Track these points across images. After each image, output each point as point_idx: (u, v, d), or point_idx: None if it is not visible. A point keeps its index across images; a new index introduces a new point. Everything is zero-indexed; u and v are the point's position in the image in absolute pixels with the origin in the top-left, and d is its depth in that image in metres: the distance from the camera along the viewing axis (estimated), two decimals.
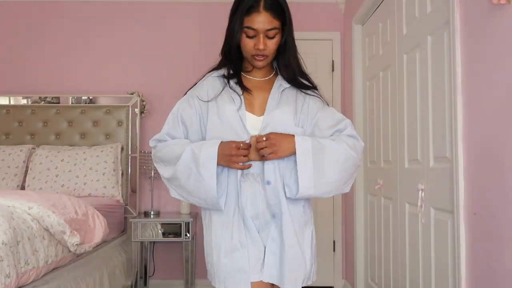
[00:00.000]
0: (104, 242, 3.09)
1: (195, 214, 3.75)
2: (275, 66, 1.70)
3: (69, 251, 2.36)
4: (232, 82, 1.61)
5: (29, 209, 2.13)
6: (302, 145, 1.50)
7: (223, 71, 1.65)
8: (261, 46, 1.51)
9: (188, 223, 3.35)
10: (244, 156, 1.49)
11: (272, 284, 1.57)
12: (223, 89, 1.60)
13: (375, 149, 3.06)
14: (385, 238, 2.83)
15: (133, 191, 3.79)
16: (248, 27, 1.50)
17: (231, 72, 1.62)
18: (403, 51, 2.52)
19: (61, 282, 2.27)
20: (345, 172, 1.56)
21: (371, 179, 3.16)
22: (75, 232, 2.32)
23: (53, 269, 2.27)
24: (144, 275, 3.73)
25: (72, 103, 3.85)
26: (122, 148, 3.74)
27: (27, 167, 3.58)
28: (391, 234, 2.71)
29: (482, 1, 1.65)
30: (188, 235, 3.35)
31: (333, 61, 3.96)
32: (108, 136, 3.80)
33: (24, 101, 3.87)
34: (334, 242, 3.92)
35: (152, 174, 3.61)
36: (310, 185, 1.50)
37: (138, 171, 3.75)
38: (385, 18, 2.83)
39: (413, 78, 2.36)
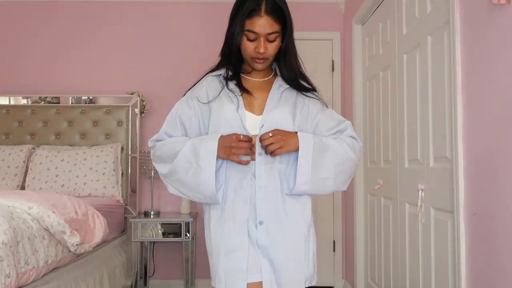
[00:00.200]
0: (104, 242, 3.09)
1: (195, 214, 3.75)
2: (274, 67, 1.70)
3: (69, 251, 2.36)
4: (230, 84, 1.61)
5: (29, 209, 2.13)
6: (304, 141, 1.53)
7: (222, 72, 1.65)
8: (261, 50, 1.52)
9: (188, 223, 3.35)
10: (245, 149, 1.49)
11: None
12: (222, 90, 1.61)
13: (375, 149, 3.06)
14: (385, 238, 2.83)
15: (133, 191, 3.79)
16: (249, 31, 1.51)
17: (231, 73, 1.62)
18: (403, 51, 2.52)
19: (61, 282, 2.27)
20: (344, 171, 1.59)
21: (371, 179, 3.16)
22: (75, 232, 2.32)
23: (53, 269, 2.27)
24: (144, 275, 3.73)
25: (72, 103, 3.85)
26: (122, 148, 3.74)
27: (27, 167, 3.58)
28: (391, 234, 2.71)
29: (482, 1, 1.65)
30: (188, 235, 3.35)
31: (333, 61, 3.96)
32: (108, 136, 3.80)
33: (24, 101, 3.87)
34: (334, 242, 3.92)
35: (152, 174, 3.61)
36: (306, 179, 1.52)
37: (138, 171, 3.75)
38: (385, 18, 2.83)
39: (413, 78, 2.36)
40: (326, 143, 1.56)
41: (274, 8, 1.50)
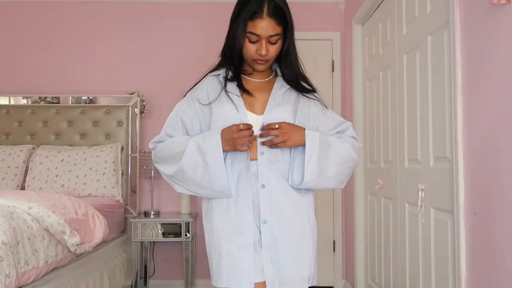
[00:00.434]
0: (104, 242, 3.09)
1: (195, 214, 3.75)
2: (274, 67, 1.71)
3: (69, 251, 2.36)
4: (231, 84, 1.61)
5: (29, 209, 2.13)
6: (311, 137, 1.54)
7: (223, 72, 1.65)
8: (263, 52, 1.52)
9: (188, 223, 3.35)
10: (247, 137, 1.49)
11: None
12: (222, 90, 1.61)
13: (375, 149, 3.06)
14: (385, 238, 2.83)
15: (133, 191, 3.79)
16: (251, 33, 1.51)
17: (231, 74, 1.63)
18: (403, 51, 2.52)
19: (61, 282, 2.27)
20: (345, 170, 1.61)
21: (371, 179, 3.16)
22: (75, 232, 2.32)
23: (53, 269, 2.27)
24: (144, 275, 3.73)
25: (72, 103, 3.85)
26: (122, 148, 3.74)
27: (27, 167, 3.58)
28: (391, 234, 2.71)
29: (482, 1, 1.65)
30: (188, 235, 3.35)
31: (333, 61, 3.96)
32: (108, 136, 3.80)
33: (24, 101, 3.88)
34: (334, 242, 3.92)
35: (152, 174, 3.61)
36: (313, 177, 1.53)
37: (138, 171, 3.75)
38: (385, 18, 2.83)
39: (413, 78, 2.36)
40: (330, 141, 1.57)
41: (276, 10, 1.50)
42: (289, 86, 1.65)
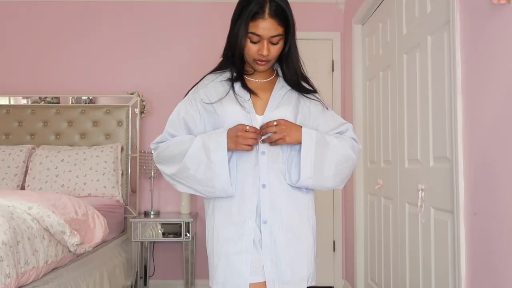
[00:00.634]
0: (104, 242, 3.09)
1: (195, 214, 3.75)
2: (275, 67, 1.71)
3: (69, 251, 2.36)
4: (236, 85, 1.61)
5: (29, 209, 2.13)
6: (308, 135, 1.54)
7: (225, 73, 1.65)
8: (265, 52, 1.52)
9: (188, 223, 3.35)
10: (251, 139, 1.50)
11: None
12: (228, 92, 1.60)
13: (375, 149, 3.06)
14: (385, 238, 2.83)
15: (133, 191, 3.79)
16: (253, 33, 1.51)
17: (235, 74, 1.62)
18: (403, 51, 2.52)
19: (61, 282, 2.27)
20: (343, 169, 1.60)
21: (371, 179, 3.16)
22: (75, 232, 2.32)
23: (53, 269, 2.27)
24: (144, 275, 3.73)
25: (72, 103, 3.85)
26: (122, 148, 3.74)
27: (27, 167, 3.58)
28: (391, 234, 2.71)
29: (482, 1, 1.65)
30: (188, 235, 3.35)
31: (333, 61, 3.96)
32: (108, 136, 3.80)
33: (24, 101, 3.88)
34: (334, 242, 3.92)
35: (152, 174, 3.61)
36: (310, 174, 1.53)
37: (138, 171, 3.75)
38: (385, 18, 2.83)
39: (413, 78, 2.36)
40: (328, 140, 1.57)
41: (278, 11, 1.50)
42: (290, 87, 1.65)
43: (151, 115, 3.91)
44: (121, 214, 3.60)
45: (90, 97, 3.86)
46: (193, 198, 3.82)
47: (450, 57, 1.89)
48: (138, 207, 3.80)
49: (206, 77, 1.69)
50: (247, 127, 1.50)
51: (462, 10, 1.80)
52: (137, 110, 3.81)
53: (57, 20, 3.99)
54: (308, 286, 1.59)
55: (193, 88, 1.68)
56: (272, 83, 1.66)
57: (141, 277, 3.60)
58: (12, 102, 3.87)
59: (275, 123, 1.51)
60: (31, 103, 3.86)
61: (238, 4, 1.56)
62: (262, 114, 1.59)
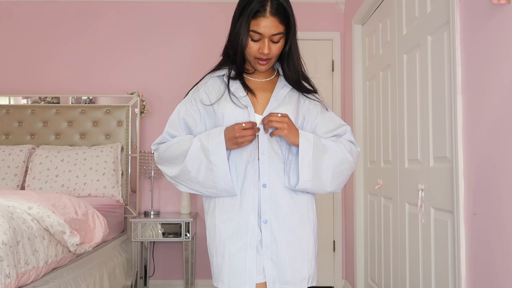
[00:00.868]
0: (104, 242, 3.09)
1: (195, 214, 3.75)
2: (276, 67, 1.70)
3: (69, 251, 2.36)
4: (234, 84, 1.61)
5: (29, 209, 2.13)
6: (305, 138, 1.54)
7: (225, 72, 1.65)
8: (265, 51, 1.52)
9: (188, 223, 3.35)
10: (250, 135, 1.50)
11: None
12: (225, 91, 1.60)
13: (375, 149, 3.06)
14: (385, 238, 2.83)
15: (133, 191, 3.79)
16: (254, 31, 1.51)
17: (234, 73, 1.62)
18: (403, 51, 2.52)
19: (61, 282, 2.27)
20: (341, 173, 1.60)
21: (371, 179, 3.16)
22: (75, 232, 2.32)
23: (53, 269, 2.27)
24: (144, 275, 3.73)
25: (72, 103, 3.85)
26: (122, 148, 3.74)
27: (27, 167, 3.58)
28: (391, 234, 2.71)
29: (482, 1, 1.65)
30: (188, 235, 3.35)
31: (333, 61, 3.96)
32: (108, 136, 3.80)
33: (24, 101, 3.88)
34: (334, 242, 3.92)
35: (152, 174, 3.61)
36: (308, 177, 1.53)
37: (138, 171, 3.75)
38: (385, 18, 2.83)
39: (413, 78, 2.36)
40: (325, 144, 1.57)
41: (279, 9, 1.50)
42: (291, 87, 1.65)
43: (151, 115, 3.91)
44: (121, 214, 3.60)
45: (90, 97, 3.86)
46: (193, 198, 3.82)
47: (450, 57, 1.89)
48: (138, 207, 3.80)
49: (206, 76, 1.69)
50: (243, 125, 1.49)
51: (462, 10, 1.80)
52: (137, 110, 3.81)
53: (57, 20, 3.98)
54: (308, 286, 1.59)
55: (193, 88, 1.68)
56: (273, 83, 1.66)
57: (141, 277, 3.60)
58: (12, 102, 3.87)
59: (279, 115, 1.51)
60: (31, 103, 3.86)
61: (239, 3, 1.56)
62: (262, 113, 1.59)
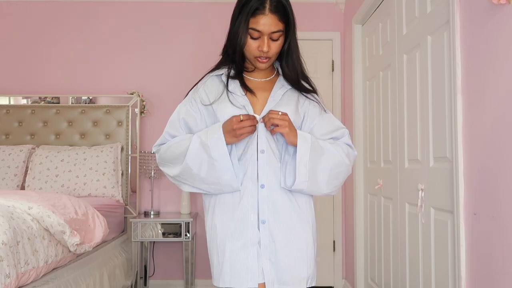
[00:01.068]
0: (104, 242, 3.09)
1: (195, 214, 3.75)
2: (276, 66, 1.70)
3: (69, 251, 2.36)
4: (233, 83, 1.61)
5: (29, 209, 2.13)
6: (303, 139, 1.53)
7: (225, 71, 1.65)
8: (265, 48, 1.52)
9: (188, 223, 3.35)
10: (248, 127, 1.49)
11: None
12: (225, 90, 1.60)
13: (375, 149, 3.06)
14: (385, 238, 2.83)
15: (133, 191, 3.79)
16: (253, 29, 1.51)
17: (233, 72, 1.62)
18: (403, 51, 2.51)
19: (61, 282, 2.27)
20: (337, 175, 1.60)
21: (371, 179, 3.16)
22: (75, 232, 2.32)
23: (53, 269, 2.27)
24: (144, 275, 3.73)
25: (72, 103, 3.85)
26: (122, 148, 3.74)
27: (27, 167, 3.58)
28: (391, 234, 2.71)
29: (482, 1, 1.65)
30: (188, 235, 3.35)
31: (333, 61, 3.96)
32: (108, 136, 3.80)
33: (24, 101, 3.88)
34: (334, 242, 3.92)
35: (152, 174, 3.61)
36: (305, 178, 1.52)
37: (138, 171, 3.75)
38: (385, 18, 2.83)
39: (413, 78, 2.36)
40: (322, 146, 1.56)
41: (279, 7, 1.50)
42: (290, 87, 1.64)
43: (151, 115, 3.91)
44: (121, 214, 3.60)
45: (90, 97, 3.86)
46: (193, 198, 3.82)
47: (450, 57, 1.89)
48: (138, 207, 3.80)
49: (205, 76, 1.69)
50: (241, 117, 1.49)
51: (462, 10, 1.80)
52: (137, 110, 3.81)
53: (58, 20, 3.98)
54: (308, 287, 1.59)
55: (193, 88, 1.68)
56: (272, 82, 1.66)
57: (141, 277, 3.60)
58: (12, 102, 3.87)
59: (279, 113, 1.51)
60: (31, 103, 3.86)
61: (239, 1, 1.55)
62: (260, 113, 1.59)
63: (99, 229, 2.68)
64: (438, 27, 2.05)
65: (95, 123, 3.80)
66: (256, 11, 1.49)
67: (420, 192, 2.19)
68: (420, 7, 2.28)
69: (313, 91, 1.68)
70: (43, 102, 3.86)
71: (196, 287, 3.82)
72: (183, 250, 3.45)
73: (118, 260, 3.28)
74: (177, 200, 3.80)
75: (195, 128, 1.62)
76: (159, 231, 3.37)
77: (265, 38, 1.52)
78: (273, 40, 1.54)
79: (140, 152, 3.76)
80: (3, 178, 3.48)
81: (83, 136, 3.80)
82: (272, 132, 1.53)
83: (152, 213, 3.57)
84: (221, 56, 1.68)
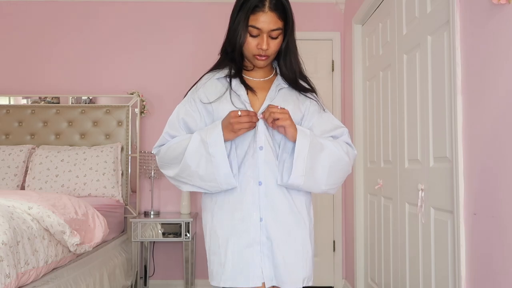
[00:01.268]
0: (104, 242, 3.09)
1: (195, 214, 3.75)
2: (274, 66, 1.70)
3: (69, 251, 2.36)
4: (234, 82, 1.60)
5: (29, 209, 2.13)
6: (303, 133, 1.53)
7: (224, 70, 1.64)
8: (264, 46, 1.52)
9: (188, 223, 3.35)
10: (247, 122, 1.48)
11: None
12: (226, 90, 1.60)
13: (375, 149, 3.06)
14: (385, 238, 2.83)
15: (133, 191, 3.79)
16: (253, 26, 1.51)
17: (233, 72, 1.62)
18: (403, 51, 2.52)
19: (61, 282, 2.27)
20: (337, 173, 1.59)
21: (371, 179, 3.16)
22: (75, 232, 2.32)
23: (53, 269, 2.27)
24: (144, 275, 3.73)
25: (72, 103, 3.85)
26: (122, 148, 3.74)
27: (27, 167, 3.58)
28: (391, 234, 2.71)
29: (482, 1, 1.65)
30: (188, 235, 3.35)
31: (333, 61, 3.96)
32: (108, 136, 3.80)
33: (24, 101, 3.88)
34: (334, 242, 3.92)
35: (152, 174, 3.61)
36: (301, 172, 1.51)
37: (138, 171, 3.75)
38: (385, 18, 2.83)
39: (413, 78, 2.36)
40: (322, 142, 1.56)
41: (278, 4, 1.51)
42: (286, 86, 1.64)
43: (151, 115, 3.91)
44: (121, 214, 3.60)
45: (90, 97, 3.86)
46: (193, 198, 3.82)
47: (450, 57, 1.89)
48: (138, 207, 3.80)
49: (204, 76, 1.69)
50: (239, 112, 1.48)
51: (462, 10, 1.80)
52: (137, 110, 3.81)
53: (58, 20, 3.98)
54: (304, 286, 1.58)
55: (192, 88, 1.68)
56: (271, 82, 1.66)
57: (141, 277, 3.60)
58: (12, 102, 3.87)
59: (279, 107, 1.51)
60: (31, 103, 3.86)
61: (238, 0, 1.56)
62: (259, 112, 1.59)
63: (99, 229, 2.68)
64: (438, 27, 2.05)
65: (95, 123, 3.80)
66: (256, 8, 1.49)
67: (420, 192, 2.19)
68: (420, 7, 2.28)
69: (312, 90, 1.67)
70: (43, 102, 3.86)
71: (196, 287, 3.82)
72: (183, 250, 3.45)
73: (118, 260, 3.28)
74: (177, 200, 3.80)
75: (195, 128, 1.62)
76: (159, 231, 3.38)
77: (264, 36, 1.52)
78: (272, 38, 1.54)
79: (140, 152, 3.76)
80: (3, 178, 3.48)
81: (83, 136, 3.80)
82: (273, 126, 1.52)
83: (152, 213, 3.57)
84: (219, 56, 1.68)
